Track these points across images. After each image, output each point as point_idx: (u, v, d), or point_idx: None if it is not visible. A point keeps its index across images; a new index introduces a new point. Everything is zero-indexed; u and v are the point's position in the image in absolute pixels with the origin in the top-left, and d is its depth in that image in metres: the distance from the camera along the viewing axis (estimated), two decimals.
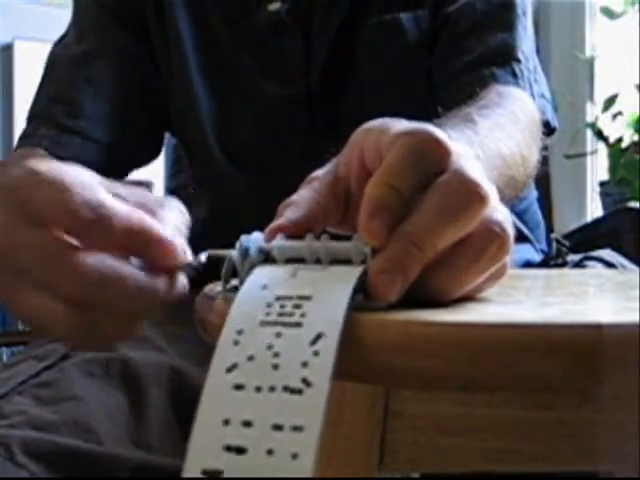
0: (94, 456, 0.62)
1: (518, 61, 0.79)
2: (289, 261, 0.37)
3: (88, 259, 0.39)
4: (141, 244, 0.40)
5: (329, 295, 0.33)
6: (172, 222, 0.43)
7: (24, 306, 0.41)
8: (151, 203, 0.43)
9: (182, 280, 0.42)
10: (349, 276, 0.34)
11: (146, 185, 2.46)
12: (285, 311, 0.32)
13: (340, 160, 0.43)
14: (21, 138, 0.85)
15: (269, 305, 0.33)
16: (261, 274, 0.36)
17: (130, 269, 0.40)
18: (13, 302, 0.41)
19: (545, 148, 0.76)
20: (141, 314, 0.42)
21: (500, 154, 0.61)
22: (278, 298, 0.33)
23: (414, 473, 0.36)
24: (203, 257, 0.42)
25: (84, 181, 0.40)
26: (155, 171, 1.49)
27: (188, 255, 0.42)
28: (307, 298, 0.33)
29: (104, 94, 0.85)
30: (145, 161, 0.92)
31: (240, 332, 0.32)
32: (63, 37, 0.91)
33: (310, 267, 0.36)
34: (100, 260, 0.40)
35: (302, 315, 0.32)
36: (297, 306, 0.32)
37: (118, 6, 0.88)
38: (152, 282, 0.41)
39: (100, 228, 0.40)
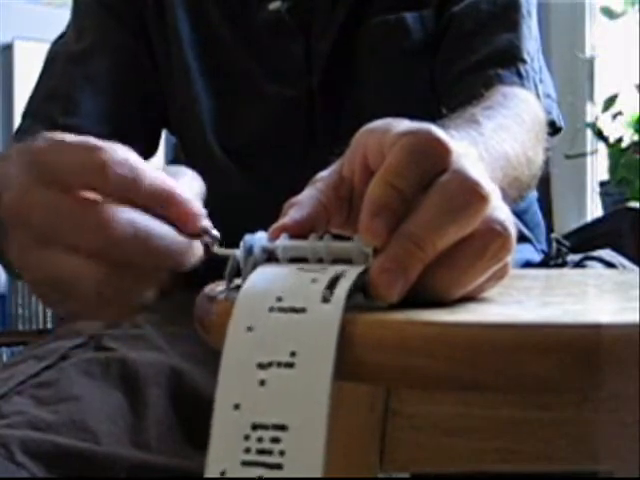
0: (93, 456, 0.62)
1: (523, 62, 0.79)
2: (292, 261, 0.37)
3: (119, 213, 0.39)
4: (167, 205, 0.40)
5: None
6: (192, 189, 0.43)
7: (47, 269, 0.40)
8: (171, 171, 0.43)
9: (199, 247, 0.42)
10: (355, 267, 0.35)
11: None
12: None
13: (344, 161, 0.43)
14: (16, 134, 0.85)
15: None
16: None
17: (160, 225, 0.40)
18: (34, 266, 0.41)
19: (548, 149, 0.76)
20: (164, 274, 0.42)
21: (505, 155, 0.61)
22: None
23: (404, 473, 0.36)
24: (218, 238, 0.42)
25: (116, 145, 0.40)
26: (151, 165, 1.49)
27: (207, 222, 0.42)
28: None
29: (102, 92, 0.85)
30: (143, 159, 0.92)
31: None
32: (62, 35, 0.91)
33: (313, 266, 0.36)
34: (131, 214, 0.39)
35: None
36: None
37: (118, 5, 0.88)
38: (181, 243, 0.41)
39: (131, 186, 0.40)
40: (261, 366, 0.31)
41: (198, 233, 0.41)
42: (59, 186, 0.40)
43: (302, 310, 0.32)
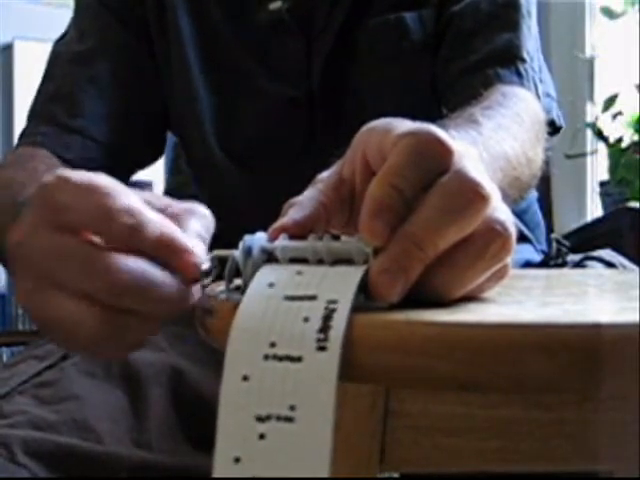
0: (95, 456, 0.62)
1: (523, 61, 0.79)
2: (292, 261, 0.37)
3: (121, 260, 0.39)
4: (169, 253, 0.41)
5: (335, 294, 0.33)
6: (197, 230, 0.43)
7: (50, 311, 0.40)
8: (177, 210, 0.43)
9: (197, 290, 0.42)
10: (351, 276, 0.34)
11: (146, 185, 2.46)
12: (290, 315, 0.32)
13: (344, 161, 0.43)
14: (21, 136, 0.85)
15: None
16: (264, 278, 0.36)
17: (160, 272, 0.40)
18: (38, 307, 0.41)
19: (548, 149, 0.76)
20: (164, 318, 0.42)
21: (504, 155, 0.61)
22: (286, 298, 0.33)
23: (394, 473, 0.36)
24: (208, 264, 0.42)
25: (118, 188, 0.41)
26: (155, 171, 1.49)
27: (205, 264, 0.42)
28: (313, 298, 0.33)
29: (105, 93, 0.85)
30: (147, 161, 0.92)
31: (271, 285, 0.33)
32: (64, 35, 0.91)
33: (313, 267, 0.36)
34: (133, 262, 0.40)
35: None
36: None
37: (119, 5, 0.88)
38: (180, 288, 0.41)
39: (134, 234, 0.40)
40: (260, 419, 0.31)
41: (196, 278, 0.42)
42: (66, 229, 0.40)
43: (298, 359, 0.31)
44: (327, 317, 0.32)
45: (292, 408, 0.30)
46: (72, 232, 0.40)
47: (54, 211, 0.40)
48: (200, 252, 0.41)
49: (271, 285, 0.34)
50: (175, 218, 0.42)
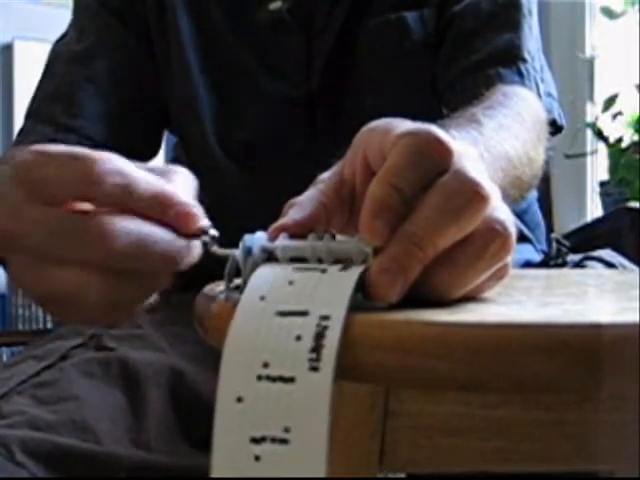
0: (93, 456, 0.62)
1: (524, 61, 0.79)
2: (292, 260, 0.37)
3: (116, 224, 0.39)
4: (165, 209, 0.40)
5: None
6: (186, 188, 0.43)
7: (47, 283, 0.40)
8: (162, 171, 0.43)
9: (197, 247, 0.42)
10: (343, 288, 0.34)
11: None
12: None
13: (345, 162, 0.43)
14: (19, 135, 0.85)
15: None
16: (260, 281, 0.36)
17: (157, 230, 0.40)
18: (37, 283, 0.40)
19: (549, 148, 0.76)
20: (164, 277, 0.42)
21: (506, 154, 0.61)
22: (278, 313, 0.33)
23: (402, 473, 0.36)
24: (204, 221, 0.42)
25: (99, 153, 0.40)
26: (143, 167, 1.49)
27: (205, 221, 0.42)
28: (304, 314, 0.32)
29: (103, 93, 0.85)
30: (143, 160, 0.92)
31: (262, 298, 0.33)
32: (64, 35, 0.91)
33: (305, 275, 0.35)
34: (127, 224, 0.39)
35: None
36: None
37: (119, 5, 0.88)
38: (180, 245, 0.41)
39: (126, 194, 0.39)
40: (255, 440, 0.31)
41: (196, 233, 0.41)
42: (49, 201, 0.39)
43: (291, 380, 0.31)
44: (319, 335, 0.32)
45: (286, 430, 0.30)
46: (58, 204, 0.39)
47: (36, 186, 0.39)
48: (195, 206, 0.41)
49: (262, 298, 0.34)
50: (165, 178, 0.42)
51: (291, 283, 0.34)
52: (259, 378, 0.31)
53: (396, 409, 0.35)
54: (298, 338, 0.32)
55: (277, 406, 0.31)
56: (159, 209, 0.40)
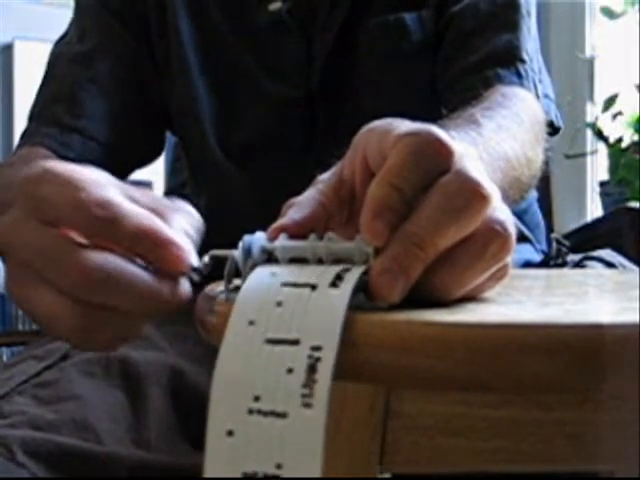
0: (94, 456, 0.62)
1: (523, 62, 0.79)
2: (291, 261, 0.37)
3: (93, 256, 0.39)
4: (149, 246, 0.40)
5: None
6: (182, 226, 0.42)
7: (32, 301, 0.41)
8: (162, 206, 0.43)
9: (185, 285, 0.42)
10: (335, 311, 0.33)
11: (146, 185, 2.46)
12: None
13: (344, 162, 0.43)
14: (23, 137, 0.85)
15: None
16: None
17: (136, 269, 0.40)
18: (23, 297, 0.41)
19: (548, 149, 0.76)
20: (144, 316, 0.42)
21: (504, 155, 0.61)
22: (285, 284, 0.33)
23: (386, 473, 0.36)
24: (206, 259, 0.42)
25: (97, 180, 0.40)
26: (155, 171, 1.50)
27: (194, 260, 0.41)
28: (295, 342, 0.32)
29: (105, 93, 0.86)
30: (147, 160, 0.92)
31: (274, 274, 0.32)
32: (64, 36, 0.91)
33: (295, 293, 0.34)
34: (105, 258, 0.39)
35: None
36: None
37: (120, 5, 0.88)
38: (158, 284, 0.40)
39: (109, 227, 0.39)
40: (247, 477, 0.30)
41: (178, 271, 0.41)
42: (46, 222, 0.40)
43: (283, 415, 0.30)
44: (311, 368, 0.31)
45: (279, 466, 0.30)
46: (53, 226, 0.40)
47: (36, 204, 0.40)
48: (185, 246, 0.41)
49: (251, 323, 0.33)
50: (159, 215, 0.42)
51: (279, 304, 0.33)
52: (250, 412, 0.31)
53: (397, 409, 0.35)
54: (290, 371, 0.31)
55: (269, 442, 0.30)
56: (143, 246, 0.40)
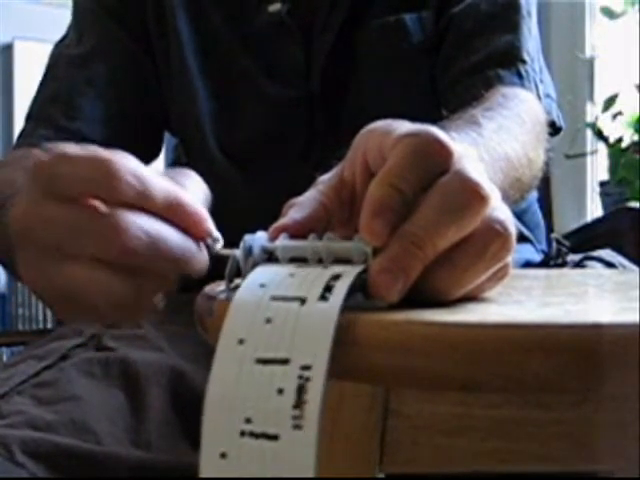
0: (93, 456, 0.62)
1: (523, 62, 0.79)
2: (292, 260, 0.37)
3: (131, 220, 0.39)
4: (178, 213, 0.40)
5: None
6: (197, 194, 0.43)
7: (59, 280, 0.40)
8: (174, 174, 0.43)
9: (205, 254, 0.42)
10: (325, 328, 0.32)
11: None
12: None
13: (345, 163, 0.43)
14: (19, 138, 0.85)
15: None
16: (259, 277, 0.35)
17: (172, 231, 0.40)
18: (48, 281, 0.41)
19: (549, 150, 0.76)
20: (173, 279, 0.42)
21: (505, 156, 0.61)
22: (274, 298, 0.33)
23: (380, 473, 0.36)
24: (220, 240, 0.42)
25: (120, 155, 0.40)
26: (155, 171, 1.49)
27: (211, 224, 0.42)
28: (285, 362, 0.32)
29: (103, 95, 0.85)
30: (144, 162, 0.92)
31: (263, 285, 0.32)
32: (64, 38, 0.91)
33: (284, 309, 0.34)
34: (143, 222, 0.39)
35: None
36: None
37: (118, 7, 0.88)
38: (190, 246, 0.41)
39: (145, 195, 0.40)
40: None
41: (204, 237, 0.42)
42: (67, 199, 0.40)
43: (275, 437, 0.30)
44: (301, 388, 0.31)
45: None
46: (74, 201, 0.40)
47: (54, 182, 0.40)
48: (205, 214, 0.42)
49: (241, 342, 0.32)
50: (178, 184, 0.42)
51: (269, 321, 0.33)
52: (242, 434, 0.31)
53: (396, 409, 0.35)
54: (280, 392, 0.31)
55: (262, 464, 0.30)
56: (171, 211, 0.40)
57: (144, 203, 0.40)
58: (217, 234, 0.42)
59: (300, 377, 0.31)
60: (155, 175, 0.41)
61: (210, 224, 0.42)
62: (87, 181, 0.39)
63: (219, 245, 0.42)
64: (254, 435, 0.31)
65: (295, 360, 0.31)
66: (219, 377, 0.32)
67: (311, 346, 0.31)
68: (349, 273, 0.34)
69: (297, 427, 0.30)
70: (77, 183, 0.39)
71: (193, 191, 0.43)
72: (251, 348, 0.32)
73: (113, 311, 0.41)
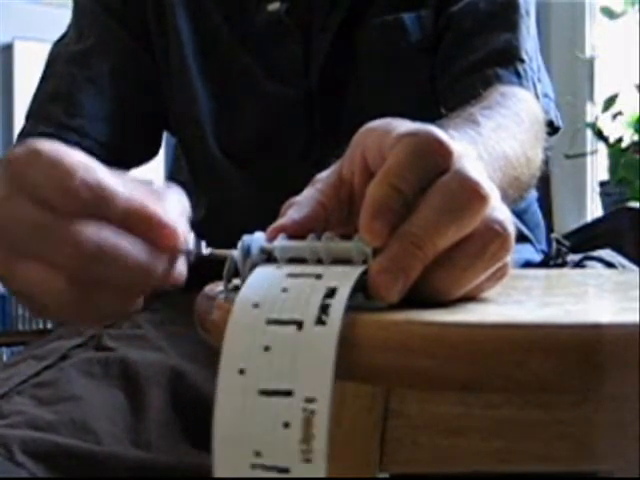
0: (93, 456, 0.62)
1: (522, 61, 0.79)
2: (290, 261, 0.37)
3: (86, 230, 0.39)
4: (141, 225, 0.40)
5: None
6: (174, 208, 0.42)
7: (22, 280, 0.41)
8: (152, 191, 0.43)
9: (181, 266, 0.42)
10: (329, 337, 0.32)
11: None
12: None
13: (343, 162, 0.43)
14: (20, 136, 0.85)
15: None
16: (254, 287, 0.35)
17: (128, 243, 0.40)
18: (10, 276, 0.41)
19: (547, 149, 0.76)
20: (137, 292, 0.42)
21: (504, 155, 0.61)
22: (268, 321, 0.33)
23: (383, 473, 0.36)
24: (205, 250, 0.42)
25: (86, 163, 0.40)
26: (155, 170, 1.49)
27: (190, 241, 0.42)
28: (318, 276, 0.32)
29: (103, 93, 0.86)
30: (143, 160, 0.92)
31: (256, 305, 0.32)
32: (64, 36, 0.91)
33: (286, 323, 0.33)
34: (98, 231, 0.39)
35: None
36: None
37: (118, 5, 0.88)
38: (151, 260, 0.40)
39: (99, 208, 0.39)
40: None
41: (176, 250, 0.41)
42: (35, 199, 0.40)
43: (285, 470, 0.30)
44: (307, 422, 0.30)
45: None
46: (41, 202, 0.40)
47: (23, 183, 0.40)
48: (176, 225, 0.41)
49: (242, 372, 0.32)
50: (151, 196, 0.42)
51: (267, 349, 0.32)
52: (253, 467, 0.31)
53: (396, 409, 0.35)
54: (286, 425, 0.30)
55: None
56: (134, 224, 0.40)
57: (104, 214, 0.40)
58: (192, 245, 0.41)
59: (305, 410, 0.31)
60: (123, 188, 0.40)
61: (182, 235, 0.41)
62: (50, 190, 0.39)
63: (206, 250, 0.42)
64: (265, 467, 0.31)
65: (298, 392, 0.31)
66: (224, 410, 0.32)
67: (313, 377, 0.31)
68: (345, 285, 0.33)
69: (307, 460, 0.30)
70: (42, 190, 0.40)
71: (171, 205, 0.42)
72: (253, 378, 0.32)
73: (75, 316, 0.42)
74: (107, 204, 0.40)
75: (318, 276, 0.34)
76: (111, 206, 0.40)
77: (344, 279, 0.34)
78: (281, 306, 0.33)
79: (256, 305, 0.33)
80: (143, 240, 0.40)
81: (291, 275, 0.35)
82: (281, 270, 0.35)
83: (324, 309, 0.32)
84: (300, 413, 0.31)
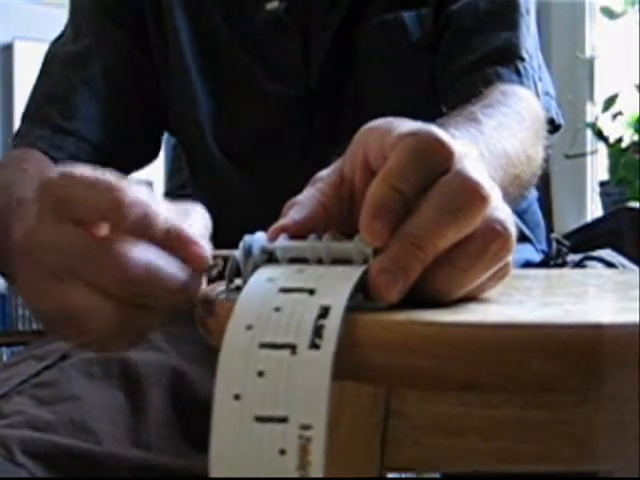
0: (93, 456, 0.62)
1: (522, 60, 0.79)
2: (292, 261, 0.37)
3: (136, 254, 0.39)
4: (179, 245, 0.41)
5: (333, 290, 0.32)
6: (199, 227, 0.43)
7: (58, 301, 0.40)
8: (180, 209, 0.44)
9: (203, 282, 0.43)
10: (350, 276, 0.33)
11: (146, 185, 2.45)
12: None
13: (344, 160, 0.43)
14: (16, 137, 0.85)
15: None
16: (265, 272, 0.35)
17: (167, 264, 0.41)
18: (44, 296, 0.41)
19: (548, 147, 0.76)
20: (173, 311, 0.43)
21: (505, 153, 0.61)
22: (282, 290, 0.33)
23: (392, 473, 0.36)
24: (219, 260, 0.42)
25: (127, 182, 0.41)
26: (155, 171, 1.49)
27: (211, 258, 0.42)
28: (311, 292, 0.32)
29: (100, 95, 0.85)
30: (144, 162, 0.92)
31: (249, 327, 0.32)
32: (60, 36, 0.90)
33: (279, 346, 0.32)
34: (145, 255, 0.40)
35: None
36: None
37: (116, 5, 0.88)
38: (187, 279, 0.41)
39: (144, 226, 0.40)
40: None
41: (201, 268, 0.42)
42: (72, 222, 0.40)
43: None
44: (303, 449, 0.30)
45: None
46: (79, 224, 0.40)
47: (61, 204, 0.40)
48: (206, 245, 0.42)
49: (237, 397, 0.31)
50: (181, 215, 0.43)
51: (261, 374, 0.32)
52: None
53: (397, 409, 0.35)
54: (282, 452, 0.30)
55: None
56: (174, 244, 0.41)
57: (148, 234, 0.40)
58: (211, 262, 0.42)
59: (300, 437, 0.30)
60: (159, 205, 0.41)
61: (208, 255, 0.42)
62: (96, 207, 0.40)
63: (215, 270, 0.42)
64: None
65: (294, 419, 0.31)
66: (220, 435, 0.31)
67: (308, 403, 0.31)
68: (338, 302, 0.33)
69: None
70: (84, 208, 0.40)
71: (196, 223, 0.43)
72: (248, 404, 0.31)
73: (106, 339, 0.42)
74: (151, 221, 0.40)
75: (311, 292, 0.34)
76: (155, 224, 0.40)
77: (338, 295, 0.33)
78: (274, 328, 0.32)
79: (249, 327, 0.33)
80: (179, 259, 0.41)
81: (283, 290, 0.34)
82: (274, 284, 0.35)
83: (318, 331, 0.32)
84: (296, 440, 0.30)
